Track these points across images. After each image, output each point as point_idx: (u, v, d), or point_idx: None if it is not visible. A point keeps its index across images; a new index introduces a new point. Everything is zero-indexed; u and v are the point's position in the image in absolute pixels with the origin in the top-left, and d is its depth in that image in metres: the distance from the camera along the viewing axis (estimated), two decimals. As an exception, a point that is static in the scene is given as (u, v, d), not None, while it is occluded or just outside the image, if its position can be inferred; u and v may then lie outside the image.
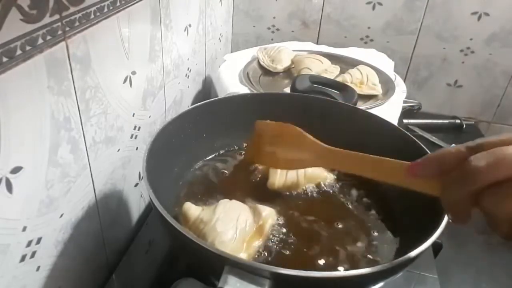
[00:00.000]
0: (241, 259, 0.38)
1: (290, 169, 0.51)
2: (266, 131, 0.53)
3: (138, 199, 0.69)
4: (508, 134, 0.30)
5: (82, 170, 0.50)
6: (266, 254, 0.46)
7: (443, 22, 1.02)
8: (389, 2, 1.03)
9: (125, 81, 0.56)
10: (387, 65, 0.94)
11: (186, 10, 0.77)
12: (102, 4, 0.48)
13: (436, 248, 0.63)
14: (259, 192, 0.55)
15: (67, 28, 0.42)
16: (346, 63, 0.91)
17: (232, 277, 0.34)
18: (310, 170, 0.56)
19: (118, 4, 0.51)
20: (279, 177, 0.55)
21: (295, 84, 0.70)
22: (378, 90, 0.81)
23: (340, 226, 0.51)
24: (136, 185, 0.67)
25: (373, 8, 1.05)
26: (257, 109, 0.63)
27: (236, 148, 0.64)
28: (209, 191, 0.55)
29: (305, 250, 0.47)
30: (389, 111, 0.74)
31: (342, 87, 0.71)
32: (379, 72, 0.86)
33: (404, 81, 0.95)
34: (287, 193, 0.55)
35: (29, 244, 0.42)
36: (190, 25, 0.81)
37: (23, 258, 0.41)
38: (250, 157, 0.56)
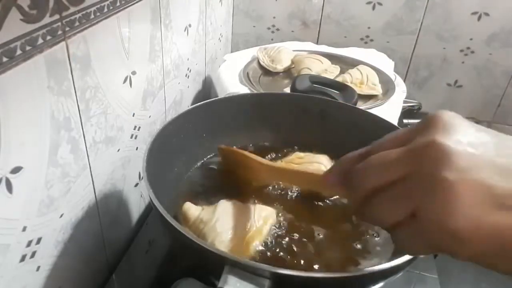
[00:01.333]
0: (241, 259, 0.38)
1: (256, 184, 0.55)
2: (224, 157, 0.58)
3: (138, 199, 0.69)
4: (394, 134, 0.30)
5: (82, 170, 0.50)
6: (266, 254, 0.46)
7: (443, 22, 1.02)
8: (389, 2, 1.03)
9: (125, 81, 0.56)
10: (387, 65, 0.94)
11: (186, 10, 0.77)
12: (102, 4, 0.48)
13: (436, 248, 0.63)
14: (259, 192, 0.55)
15: (67, 28, 0.42)
16: (346, 63, 0.91)
17: (232, 277, 0.34)
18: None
19: (118, 4, 0.51)
20: None
21: (295, 84, 0.70)
22: (378, 90, 0.81)
23: (340, 225, 0.51)
24: (136, 185, 0.67)
25: (373, 8, 1.05)
26: (257, 109, 0.63)
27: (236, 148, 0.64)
28: (209, 191, 0.55)
29: (305, 250, 0.47)
30: (389, 111, 0.74)
31: (342, 87, 0.71)
32: (379, 72, 0.86)
33: (404, 81, 0.95)
34: (288, 193, 0.55)
35: (29, 244, 0.42)
36: (190, 25, 0.81)
37: (23, 258, 0.41)
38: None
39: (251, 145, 0.64)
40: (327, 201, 0.55)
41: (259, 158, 0.52)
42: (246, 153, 0.54)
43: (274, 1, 1.10)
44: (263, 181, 0.54)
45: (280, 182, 0.54)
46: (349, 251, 0.48)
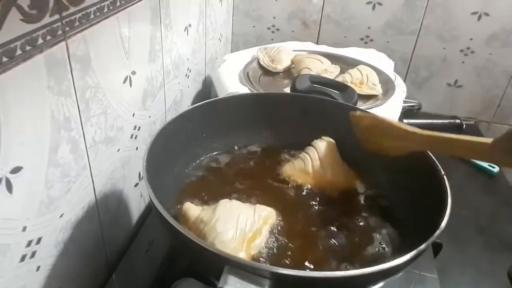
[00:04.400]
0: (241, 259, 0.38)
1: (397, 153, 0.52)
2: (359, 124, 0.56)
3: (138, 199, 0.69)
4: None
5: (82, 170, 0.50)
6: (266, 254, 0.46)
7: (443, 22, 1.02)
8: (389, 2, 1.03)
9: (125, 81, 0.56)
10: (387, 65, 0.94)
11: (186, 10, 0.77)
12: (102, 4, 0.48)
13: (436, 248, 0.63)
14: (259, 192, 0.55)
15: (67, 28, 0.42)
16: (346, 63, 0.91)
17: (232, 277, 0.34)
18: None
19: (118, 4, 0.51)
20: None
21: (295, 84, 0.70)
22: (378, 90, 0.81)
23: (340, 226, 0.51)
24: (136, 185, 0.67)
25: (373, 8, 1.05)
26: (257, 109, 0.63)
27: (236, 148, 0.64)
28: (209, 191, 0.55)
29: (305, 250, 0.47)
30: (389, 111, 0.74)
31: (342, 87, 0.71)
32: (379, 72, 0.86)
33: (404, 81, 0.94)
34: (288, 192, 0.56)
35: (29, 244, 0.42)
36: (190, 25, 0.81)
37: (23, 258, 0.41)
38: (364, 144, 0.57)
39: (251, 144, 0.65)
40: (328, 200, 0.55)
41: (405, 126, 0.50)
42: (391, 121, 0.51)
43: (274, 1, 1.10)
44: (408, 150, 0.50)
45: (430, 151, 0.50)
46: (349, 250, 0.48)
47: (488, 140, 0.38)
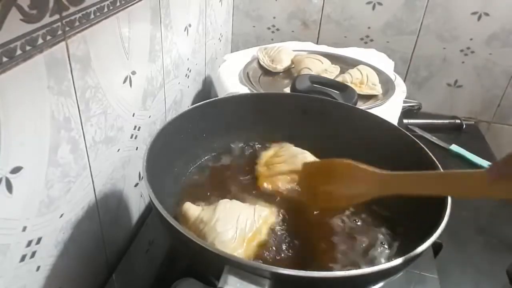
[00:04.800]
0: (241, 259, 0.38)
1: (352, 203, 0.47)
2: (314, 172, 0.50)
3: (138, 199, 0.69)
4: None
5: (82, 170, 0.50)
6: (266, 254, 0.46)
7: (443, 22, 1.02)
8: (389, 2, 1.03)
9: (125, 81, 0.56)
10: (387, 65, 0.94)
11: (186, 10, 0.77)
12: (102, 4, 0.48)
13: (436, 248, 0.63)
14: (259, 192, 0.55)
15: (67, 28, 0.42)
16: (346, 63, 0.91)
17: (232, 277, 0.34)
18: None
19: (118, 4, 0.51)
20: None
21: (295, 84, 0.70)
22: (378, 90, 0.81)
23: (340, 225, 0.51)
24: (136, 185, 0.67)
25: (373, 8, 1.05)
26: (257, 109, 0.63)
27: (236, 148, 0.64)
28: (209, 191, 0.55)
29: (305, 249, 0.47)
30: (389, 111, 0.74)
31: (342, 87, 0.71)
32: (379, 72, 0.86)
33: (404, 81, 0.95)
34: (288, 192, 0.55)
35: (29, 244, 0.42)
36: (190, 25, 0.81)
37: (23, 258, 0.41)
38: (310, 202, 0.50)
39: (251, 144, 0.65)
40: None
41: (365, 166, 0.42)
42: (355, 162, 0.43)
43: (274, 1, 1.10)
44: (371, 196, 0.42)
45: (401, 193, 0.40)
46: (349, 250, 0.48)
47: (479, 170, 0.33)
